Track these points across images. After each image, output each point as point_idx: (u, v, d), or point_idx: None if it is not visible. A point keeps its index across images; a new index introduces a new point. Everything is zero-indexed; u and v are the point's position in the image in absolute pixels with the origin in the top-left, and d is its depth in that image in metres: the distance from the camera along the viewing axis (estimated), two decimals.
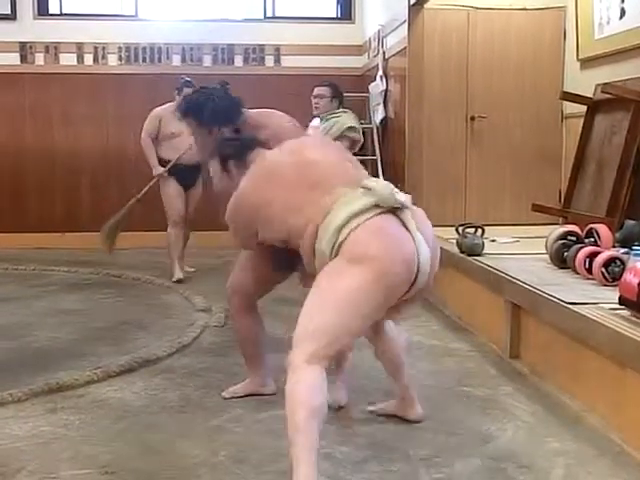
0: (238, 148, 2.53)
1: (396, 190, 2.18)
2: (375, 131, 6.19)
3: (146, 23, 6.97)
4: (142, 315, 4.21)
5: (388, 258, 2.05)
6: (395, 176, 5.71)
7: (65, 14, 7.09)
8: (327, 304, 2.05)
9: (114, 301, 4.64)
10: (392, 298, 2.12)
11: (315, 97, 4.59)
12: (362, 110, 6.53)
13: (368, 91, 6.38)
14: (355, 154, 6.57)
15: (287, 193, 2.25)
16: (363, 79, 6.81)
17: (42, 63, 6.96)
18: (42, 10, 7.02)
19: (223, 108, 2.74)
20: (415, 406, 2.59)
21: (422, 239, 2.15)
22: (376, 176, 5.92)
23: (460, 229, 4.13)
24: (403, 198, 2.16)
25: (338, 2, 7.35)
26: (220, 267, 5.18)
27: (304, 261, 2.28)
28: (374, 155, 6.12)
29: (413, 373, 3.09)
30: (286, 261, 2.52)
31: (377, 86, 6.16)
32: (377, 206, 2.12)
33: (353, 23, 7.25)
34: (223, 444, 2.39)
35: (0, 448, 2.38)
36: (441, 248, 4.43)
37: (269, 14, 7.24)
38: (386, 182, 2.23)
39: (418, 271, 2.12)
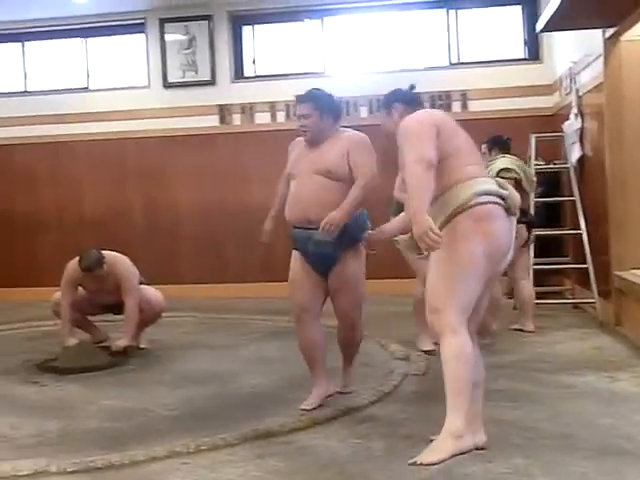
0: (410, 97, 3.05)
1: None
2: (572, 171, 5.91)
3: (333, 79, 7.19)
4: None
5: (500, 239, 2.67)
6: (597, 216, 5.40)
7: (259, 76, 7.54)
8: (461, 269, 2.60)
9: None
10: (492, 271, 2.70)
11: None
12: (556, 150, 6.29)
13: (561, 130, 6.15)
14: (549, 195, 6.31)
15: (452, 132, 2.77)
16: (555, 118, 6.58)
17: (239, 123, 7.41)
18: (238, 74, 7.51)
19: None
20: (481, 432, 2.68)
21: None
22: (576, 219, 5.65)
23: None
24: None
25: (525, 43, 7.21)
26: (407, 314, 5.08)
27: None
28: (572, 195, 5.81)
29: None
30: (323, 263, 3.47)
31: (572, 124, 5.91)
32: (502, 198, 2.70)
33: (541, 63, 7.09)
34: None
35: None
36: None
37: (454, 60, 7.25)
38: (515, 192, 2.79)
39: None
